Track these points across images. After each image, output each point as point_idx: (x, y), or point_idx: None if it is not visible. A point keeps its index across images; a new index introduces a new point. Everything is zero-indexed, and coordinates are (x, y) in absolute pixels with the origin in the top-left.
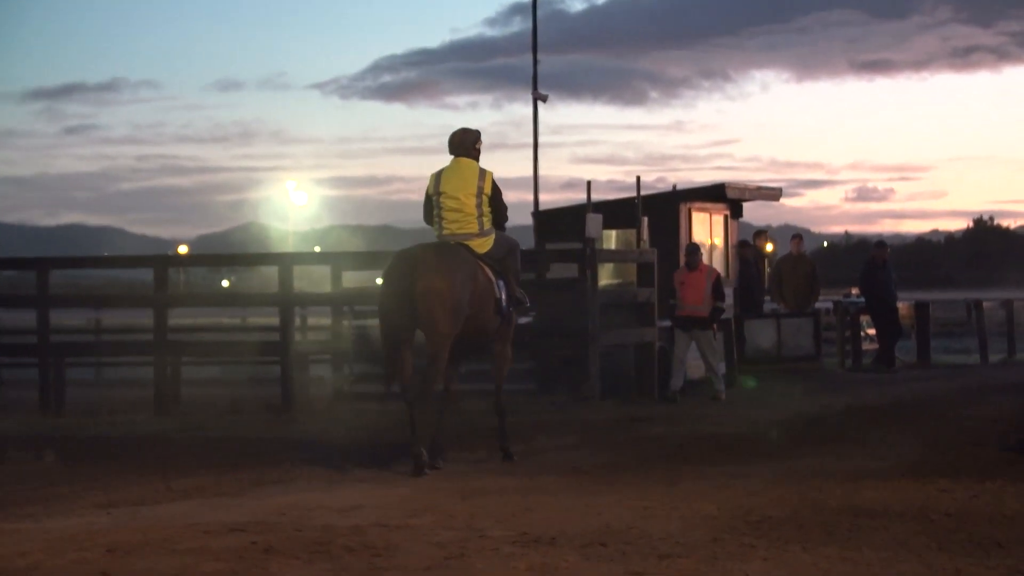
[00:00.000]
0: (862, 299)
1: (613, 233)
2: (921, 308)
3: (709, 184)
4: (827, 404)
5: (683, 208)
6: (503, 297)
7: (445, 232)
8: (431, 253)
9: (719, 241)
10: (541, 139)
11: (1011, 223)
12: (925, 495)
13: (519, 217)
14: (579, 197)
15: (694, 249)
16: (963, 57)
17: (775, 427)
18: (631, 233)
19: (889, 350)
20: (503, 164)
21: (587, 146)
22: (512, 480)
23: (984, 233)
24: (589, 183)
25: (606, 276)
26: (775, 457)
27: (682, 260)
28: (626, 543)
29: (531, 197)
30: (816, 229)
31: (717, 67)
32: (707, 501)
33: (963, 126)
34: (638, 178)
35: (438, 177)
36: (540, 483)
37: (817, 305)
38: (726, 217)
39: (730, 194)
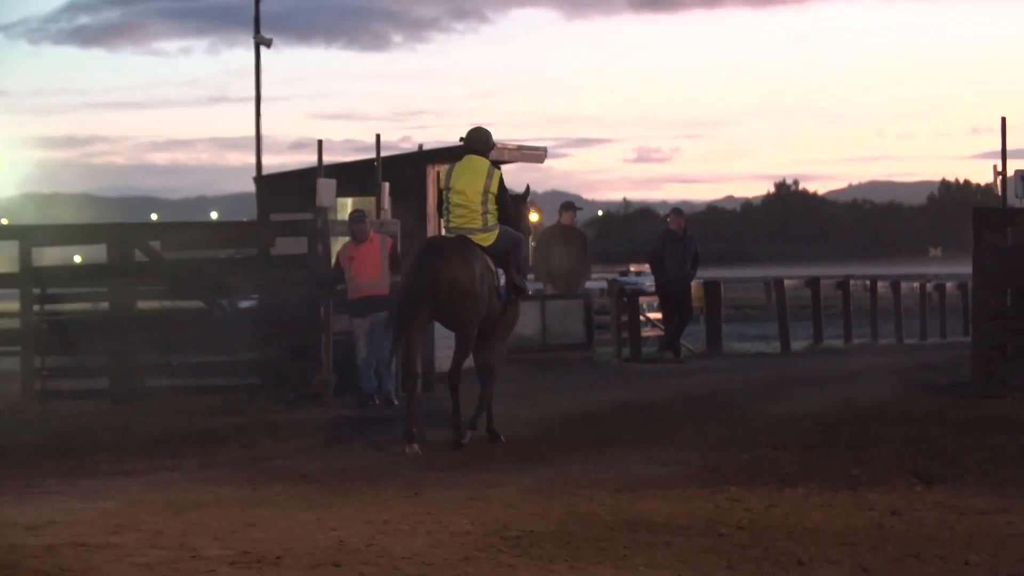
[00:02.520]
0: (639, 278)
1: (349, 201)
2: (712, 288)
3: (461, 143)
4: (600, 400)
5: (431, 171)
6: (502, 284)
7: (452, 225)
8: (455, 247)
9: None
10: (267, 91)
11: (819, 187)
12: (714, 505)
13: (240, 183)
14: (310, 159)
15: (359, 216)
16: None
17: (539, 427)
18: (370, 201)
19: (676, 337)
20: (221, 121)
21: (323, 99)
22: (231, 491)
23: (787, 199)
24: (320, 143)
25: None
26: (538, 463)
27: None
28: (363, 563)
29: (253, 159)
30: (590, 195)
31: (471, 6)
32: (458, 514)
33: (764, 74)
34: (377, 136)
35: (450, 173)
36: (264, 494)
37: (589, 285)
38: None
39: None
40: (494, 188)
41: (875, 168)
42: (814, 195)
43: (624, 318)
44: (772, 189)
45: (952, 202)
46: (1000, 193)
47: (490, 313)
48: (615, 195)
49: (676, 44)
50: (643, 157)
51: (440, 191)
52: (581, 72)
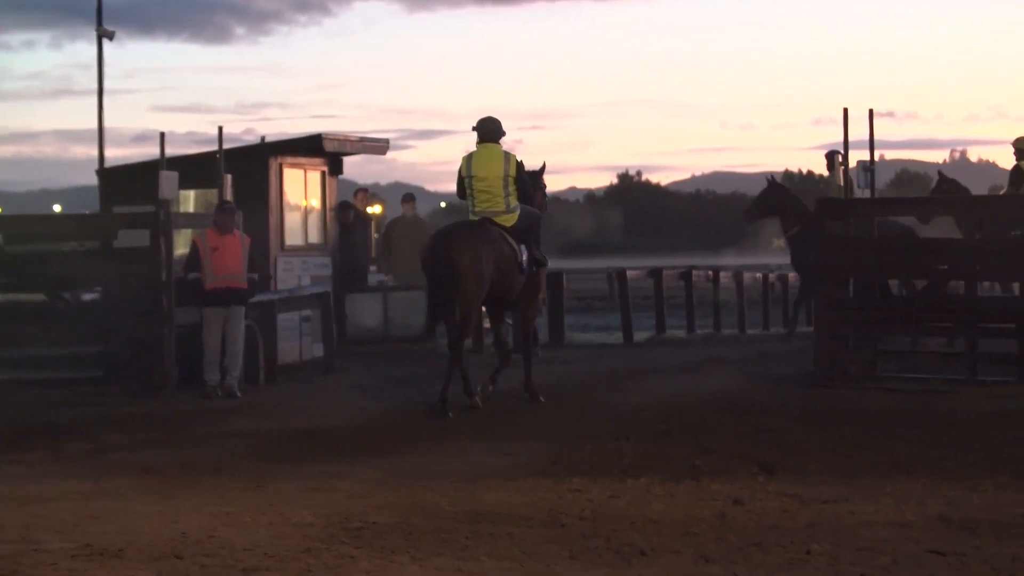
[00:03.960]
0: None
1: (192, 193)
2: (554, 279)
3: (304, 135)
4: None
5: (273, 163)
6: (524, 260)
7: (477, 209)
8: (461, 233)
9: (316, 201)
10: (111, 84)
11: (662, 179)
12: (557, 496)
13: (83, 176)
14: (154, 152)
15: (231, 208)
16: None
17: (382, 419)
18: (212, 193)
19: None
20: (65, 114)
21: (167, 92)
22: (75, 484)
23: (631, 190)
24: (163, 135)
25: (183, 244)
26: (381, 454)
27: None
28: (206, 555)
29: (96, 152)
30: (434, 187)
31: None
32: (301, 506)
33: (608, 66)
34: (220, 129)
35: (469, 161)
36: (107, 487)
37: None
38: (323, 174)
39: (328, 147)
40: (512, 171)
41: (718, 159)
42: (657, 186)
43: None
44: (615, 180)
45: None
46: (842, 183)
47: (511, 288)
48: None
49: (519, 36)
50: None
51: (461, 179)
52: (424, 64)
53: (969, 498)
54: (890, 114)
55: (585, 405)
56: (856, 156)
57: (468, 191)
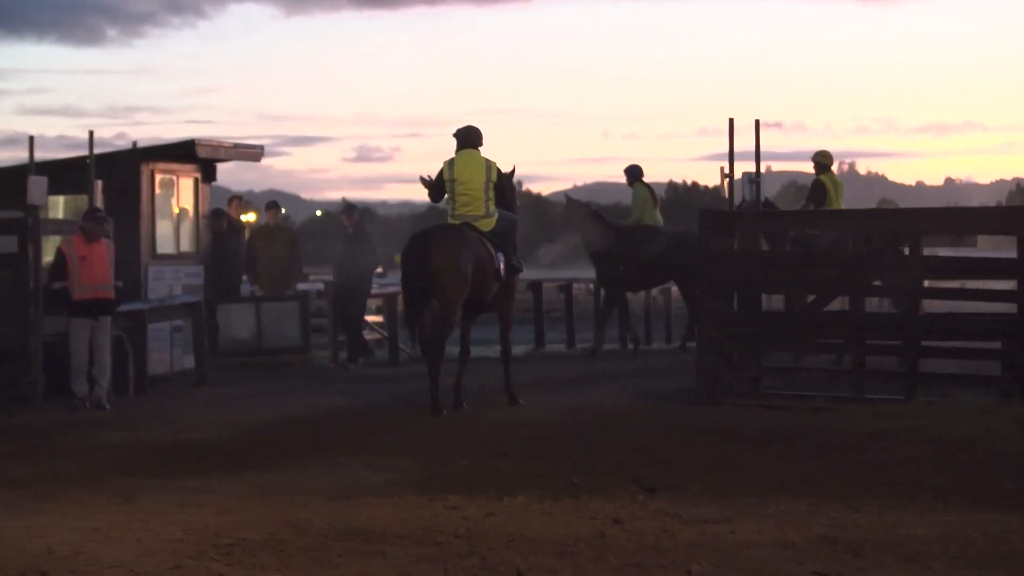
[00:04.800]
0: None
1: (61, 199)
2: None
3: (176, 141)
4: (317, 405)
5: (145, 169)
6: (501, 267)
7: (457, 212)
8: (441, 236)
9: (188, 209)
10: None
11: (543, 189)
12: (432, 513)
13: None
14: (23, 155)
15: (103, 217)
16: None
17: (254, 433)
18: (83, 199)
19: (358, 339)
20: None
21: (37, 95)
22: None
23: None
24: (32, 139)
25: (51, 251)
26: (253, 469)
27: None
28: (71, 571)
29: None
30: (309, 195)
31: (188, 0)
32: (169, 521)
33: (488, 73)
34: (91, 133)
35: (452, 165)
36: None
37: (307, 287)
38: (196, 180)
39: (201, 153)
40: (494, 178)
41: (601, 169)
42: (538, 196)
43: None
44: None
45: (679, 204)
46: (727, 196)
47: (487, 291)
48: (335, 195)
49: (398, 41)
50: (363, 156)
51: (442, 182)
52: (301, 69)
53: (854, 519)
54: (777, 124)
55: (462, 420)
56: (742, 167)
57: (449, 194)
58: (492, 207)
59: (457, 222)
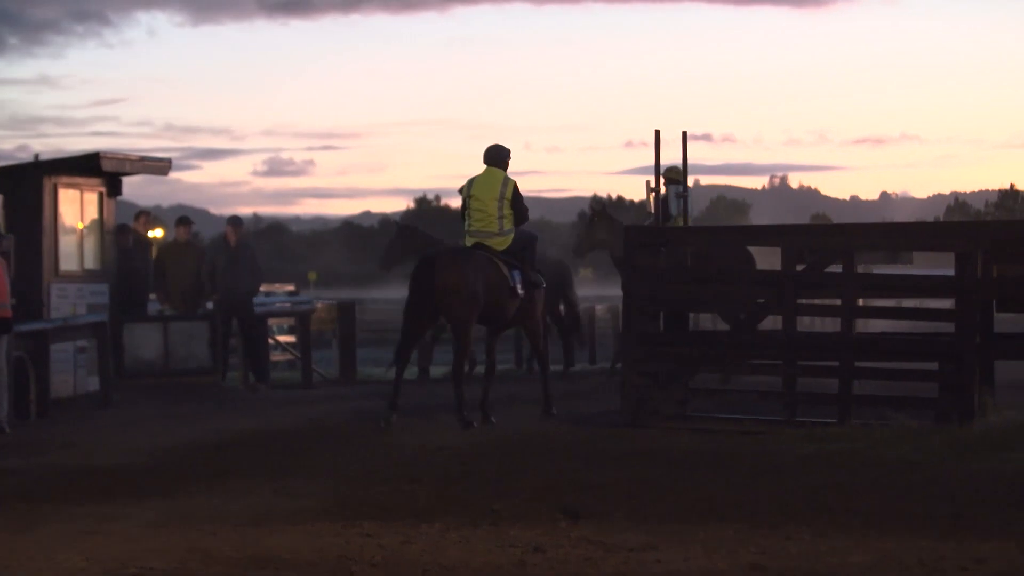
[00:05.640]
0: (269, 298)
1: None
2: (345, 309)
3: (81, 153)
4: (227, 428)
5: (48, 183)
6: (518, 284)
7: (472, 229)
8: (447, 256)
9: (93, 224)
10: None
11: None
12: (346, 541)
13: None
14: None
15: (4, 236)
16: None
17: (161, 457)
18: None
19: (258, 362)
20: None
21: None
22: None
23: (428, 215)
24: None
25: None
26: (159, 495)
27: None
28: None
29: None
30: (219, 210)
31: (93, 7)
32: (73, 550)
33: (405, 83)
34: None
35: (471, 183)
36: None
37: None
38: (101, 195)
39: (106, 166)
40: (509, 194)
41: (523, 183)
42: (457, 211)
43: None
44: (412, 204)
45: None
46: (653, 211)
47: (504, 310)
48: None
49: (311, 50)
50: (275, 170)
51: (464, 200)
52: (210, 79)
53: (785, 546)
54: (706, 137)
55: (377, 444)
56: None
57: (466, 211)
58: (508, 225)
59: (472, 240)
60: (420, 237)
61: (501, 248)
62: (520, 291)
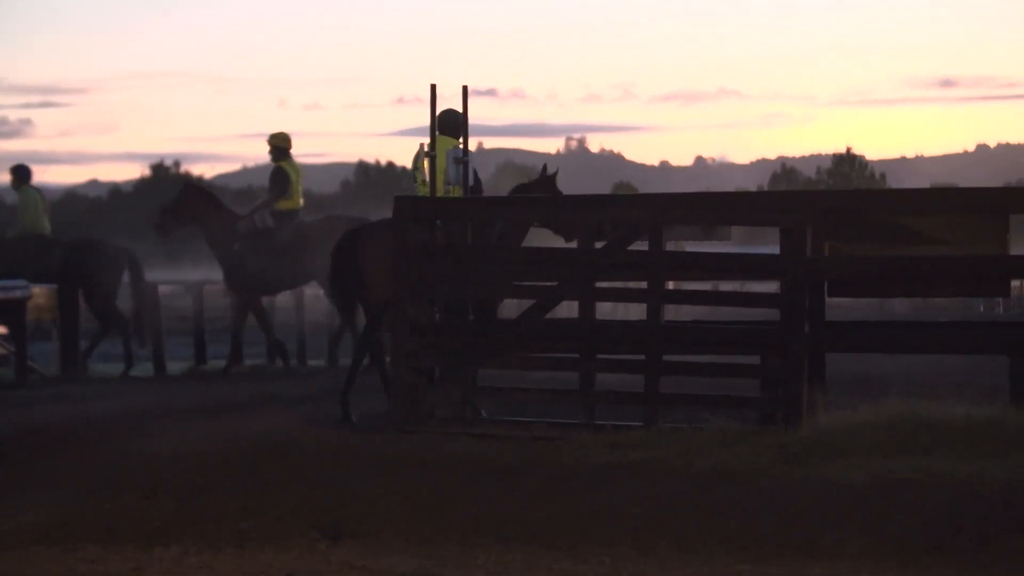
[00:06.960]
0: None
1: None
2: (68, 296)
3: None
4: None
5: None
6: None
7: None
8: (370, 229)
9: None
10: None
11: (205, 170)
12: (67, 569)
13: None
14: None
15: None
16: None
17: None
18: None
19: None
20: None
21: None
22: None
23: (166, 184)
24: None
25: None
26: None
27: None
28: None
29: None
30: None
31: None
32: None
33: (137, 29)
34: None
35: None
36: None
37: None
38: None
39: None
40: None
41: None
42: (200, 179)
43: None
44: (147, 172)
45: (371, 189)
46: (428, 177)
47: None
48: None
49: None
50: None
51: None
52: None
53: (581, 571)
54: (491, 92)
55: (104, 453)
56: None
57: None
58: (424, 191)
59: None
60: (208, 200)
61: None
62: None
